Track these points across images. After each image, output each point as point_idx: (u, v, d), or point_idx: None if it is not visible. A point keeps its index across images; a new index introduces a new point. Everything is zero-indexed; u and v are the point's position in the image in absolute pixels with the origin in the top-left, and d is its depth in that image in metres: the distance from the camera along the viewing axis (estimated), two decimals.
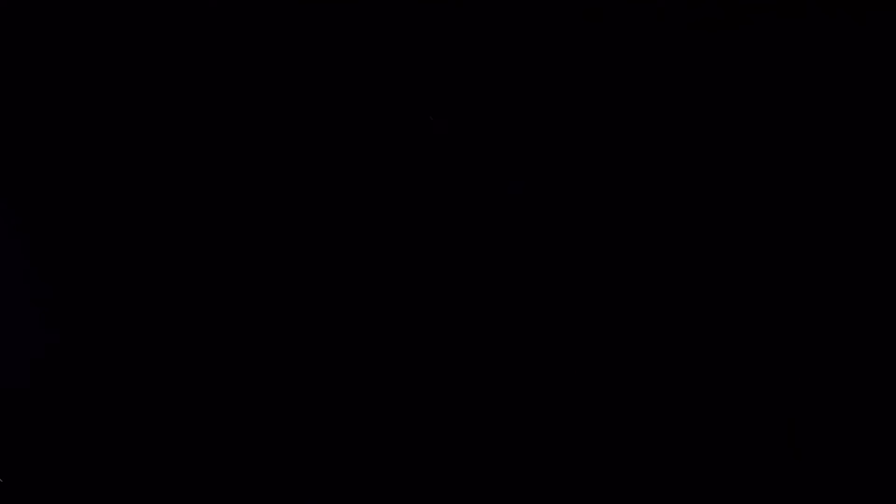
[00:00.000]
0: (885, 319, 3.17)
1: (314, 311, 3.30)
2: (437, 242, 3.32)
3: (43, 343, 3.26)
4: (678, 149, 3.29)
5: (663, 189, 3.28)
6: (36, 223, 3.32)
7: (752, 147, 3.27)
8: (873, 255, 3.20)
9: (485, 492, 3.19)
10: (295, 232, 3.32)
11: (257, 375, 3.29)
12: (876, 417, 3.13)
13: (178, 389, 3.27)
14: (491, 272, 3.30)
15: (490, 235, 3.31)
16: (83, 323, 3.29)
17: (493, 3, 3.29)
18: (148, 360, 3.29)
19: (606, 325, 3.26)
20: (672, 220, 3.28)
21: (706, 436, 3.18)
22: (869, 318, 3.18)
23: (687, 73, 3.27)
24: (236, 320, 3.31)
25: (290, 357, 3.29)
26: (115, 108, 3.34)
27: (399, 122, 3.34)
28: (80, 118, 3.34)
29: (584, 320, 3.27)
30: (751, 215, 3.25)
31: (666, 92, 3.28)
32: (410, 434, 3.24)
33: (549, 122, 3.32)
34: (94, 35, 3.33)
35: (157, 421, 3.26)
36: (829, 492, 3.11)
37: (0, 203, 3.32)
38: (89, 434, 3.25)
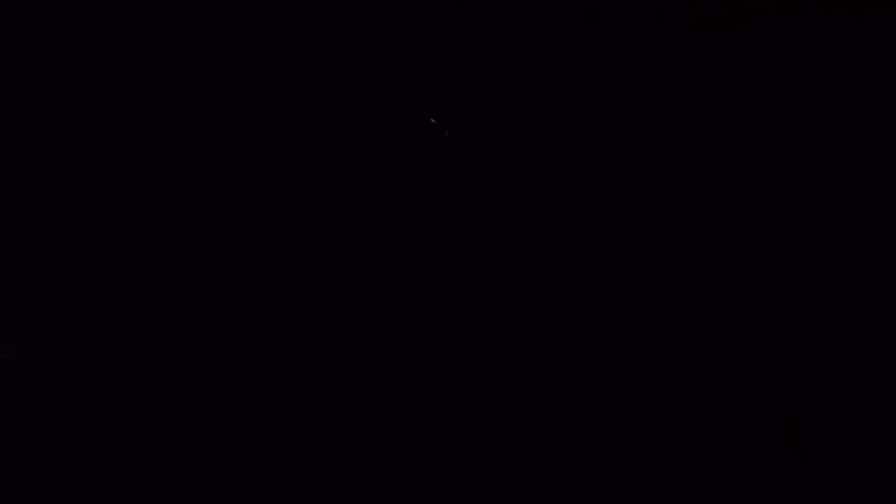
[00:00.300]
0: (885, 319, 3.17)
1: (314, 311, 3.30)
2: (436, 242, 3.32)
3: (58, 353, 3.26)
4: (678, 149, 3.29)
5: (663, 189, 3.28)
6: (36, 224, 3.32)
7: (752, 147, 3.27)
8: (873, 255, 3.20)
9: (485, 492, 3.19)
10: (294, 233, 3.32)
11: (257, 375, 3.29)
12: (876, 417, 3.13)
13: (178, 389, 3.27)
14: (490, 272, 3.30)
15: (490, 235, 3.31)
16: (91, 327, 3.29)
17: (492, 3, 3.28)
18: (147, 360, 3.29)
19: (606, 324, 3.26)
20: (672, 220, 3.28)
21: (706, 436, 3.18)
22: (869, 317, 3.18)
23: (687, 73, 3.26)
24: (237, 320, 3.31)
25: (290, 357, 3.29)
26: (118, 110, 3.34)
27: (398, 122, 3.34)
28: (84, 121, 3.34)
29: (585, 320, 3.27)
30: (751, 215, 3.25)
31: (666, 92, 3.28)
32: (410, 434, 3.24)
33: (548, 122, 3.32)
34: (94, 35, 3.33)
35: (157, 419, 3.26)
36: (829, 492, 3.11)
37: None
38: (89, 430, 3.25)
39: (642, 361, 3.24)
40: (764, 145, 3.26)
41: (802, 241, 3.22)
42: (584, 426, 3.22)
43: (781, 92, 3.24)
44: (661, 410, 3.21)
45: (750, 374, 3.20)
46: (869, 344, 3.17)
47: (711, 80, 3.26)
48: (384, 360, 3.28)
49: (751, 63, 3.24)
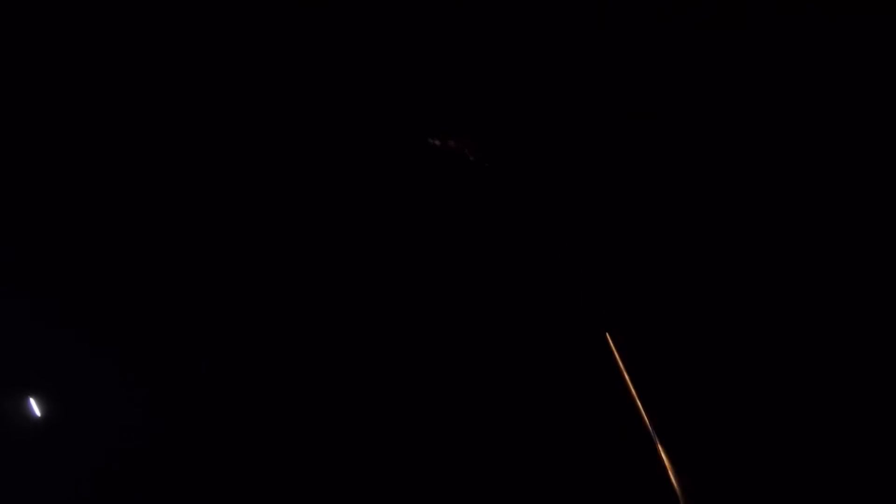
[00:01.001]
0: (885, 319, 3.17)
1: (314, 313, 3.31)
2: (435, 243, 3.33)
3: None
4: (678, 149, 3.29)
5: (664, 189, 3.29)
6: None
7: (752, 147, 3.27)
8: (873, 254, 3.20)
9: (484, 492, 3.20)
10: (295, 235, 3.34)
11: (257, 376, 3.30)
12: (876, 417, 3.14)
13: (179, 389, 3.28)
14: (489, 273, 3.31)
15: (489, 237, 3.32)
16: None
17: (493, 3, 3.29)
18: (148, 360, 3.30)
19: (606, 324, 3.27)
20: (672, 220, 3.28)
21: (706, 436, 3.19)
22: (869, 318, 3.18)
23: (687, 73, 3.27)
24: (239, 323, 3.32)
25: (290, 358, 3.31)
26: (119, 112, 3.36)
27: (397, 123, 3.35)
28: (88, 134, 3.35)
29: (584, 320, 3.27)
30: (751, 215, 3.25)
31: (666, 92, 3.28)
32: (410, 434, 3.25)
33: (549, 121, 3.32)
34: (95, 36, 3.34)
35: (158, 419, 3.27)
36: (829, 492, 3.11)
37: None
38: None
39: (641, 361, 3.24)
40: (764, 145, 3.27)
41: (802, 241, 3.23)
42: (583, 425, 3.22)
43: (781, 91, 3.25)
44: (661, 410, 3.21)
45: (750, 374, 3.21)
46: (869, 344, 3.17)
47: (712, 79, 3.27)
48: (382, 360, 3.29)
49: (751, 63, 3.25)
